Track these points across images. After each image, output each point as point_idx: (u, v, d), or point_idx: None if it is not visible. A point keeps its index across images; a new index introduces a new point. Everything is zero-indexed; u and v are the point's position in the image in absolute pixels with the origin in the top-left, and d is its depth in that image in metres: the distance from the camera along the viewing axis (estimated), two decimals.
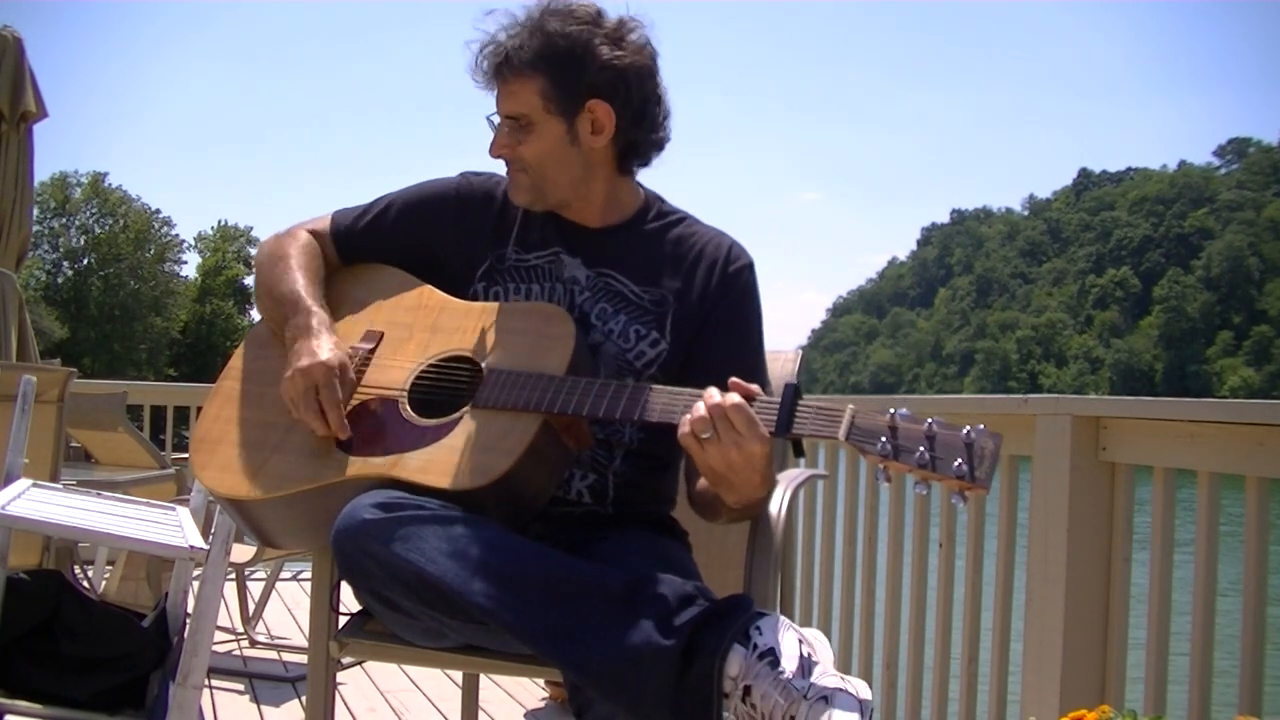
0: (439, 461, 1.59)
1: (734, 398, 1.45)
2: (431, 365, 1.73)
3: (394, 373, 1.73)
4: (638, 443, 1.78)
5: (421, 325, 1.78)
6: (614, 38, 1.74)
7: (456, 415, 1.64)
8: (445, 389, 1.71)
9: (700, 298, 1.78)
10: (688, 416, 1.47)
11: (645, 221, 1.84)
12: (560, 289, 1.79)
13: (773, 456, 1.52)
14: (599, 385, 1.60)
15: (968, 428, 1.36)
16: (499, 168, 1.86)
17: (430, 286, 1.83)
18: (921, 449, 1.36)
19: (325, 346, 1.70)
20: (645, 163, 1.84)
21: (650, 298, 1.78)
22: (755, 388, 1.48)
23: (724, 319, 1.79)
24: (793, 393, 1.45)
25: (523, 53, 1.71)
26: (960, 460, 1.34)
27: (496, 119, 1.77)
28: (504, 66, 1.73)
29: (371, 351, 1.77)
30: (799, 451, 1.58)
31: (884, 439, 1.38)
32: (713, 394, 1.47)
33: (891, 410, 1.39)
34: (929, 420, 1.37)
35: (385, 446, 1.64)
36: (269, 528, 1.76)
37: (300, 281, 1.80)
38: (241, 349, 1.88)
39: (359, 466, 1.63)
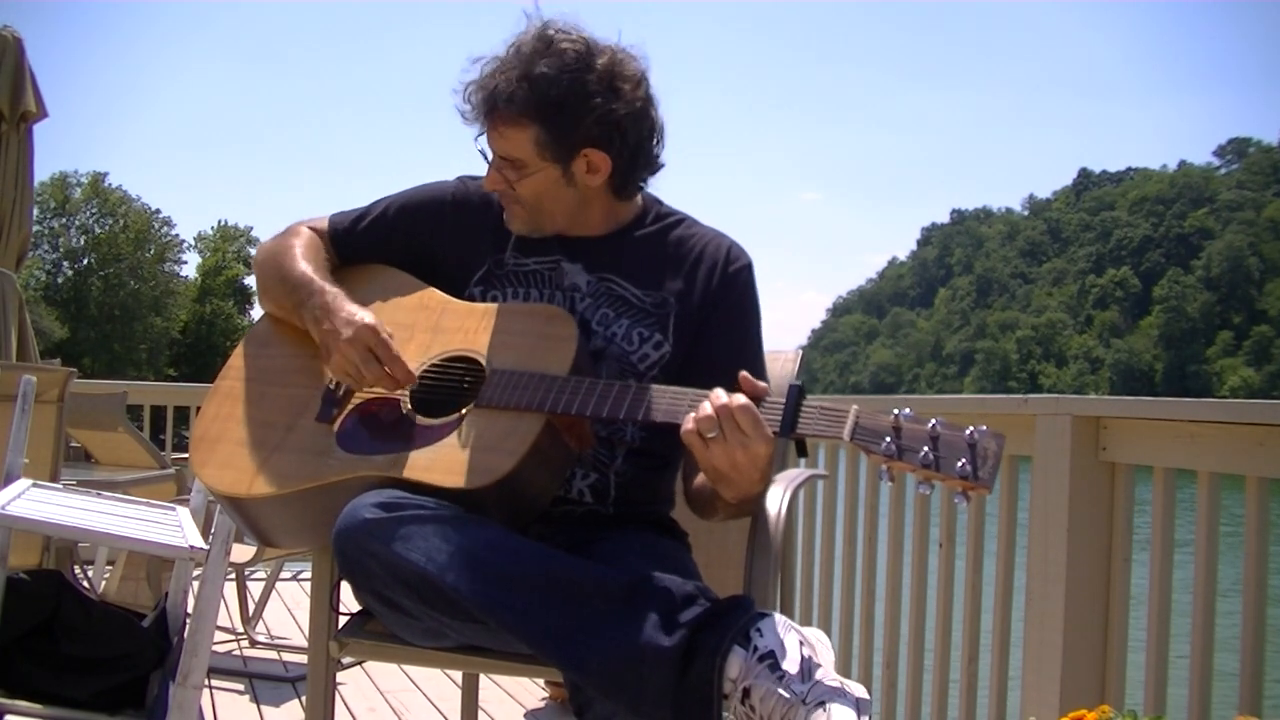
0: (441, 461, 1.59)
1: (741, 399, 1.45)
2: (433, 365, 1.73)
3: None
4: (639, 441, 1.78)
5: (423, 326, 1.78)
6: (607, 79, 1.69)
7: (458, 415, 1.64)
8: (447, 389, 1.71)
9: (701, 299, 1.79)
10: (693, 415, 1.48)
11: (644, 225, 1.84)
12: (560, 296, 1.79)
13: (773, 457, 1.52)
14: (602, 385, 1.60)
15: (971, 428, 1.37)
16: None
17: (432, 288, 1.83)
18: (925, 449, 1.37)
19: (357, 312, 1.70)
20: (642, 187, 1.84)
21: (652, 300, 1.78)
22: (764, 386, 1.48)
23: (724, 319, 1.79)
24: (797, 393, 1.46)
25: (514, 101, 1.67)
26: (964, 460, 1.35)
27: (489, 152, 1.75)
28: (494, 111, 1.70)
29: None
30: (802, 451, 1.58)
31: (888, 439, 1.39)
32: (720, 395, 1.47)
33: (895, 411, 1.40)
34: (933, 421, 1.38)
35: (387, 446, 1.64)
36: (268, 526, 1.76)
37: (310, 267, 1.81)
38: (241, 348, 1.87)
39: (360, 465, 1.63)
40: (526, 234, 1.80)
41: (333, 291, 1.75)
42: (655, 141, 1.79)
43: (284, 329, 1.87)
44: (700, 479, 1.69)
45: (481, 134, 1.75)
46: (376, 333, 1.67)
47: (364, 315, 1.69)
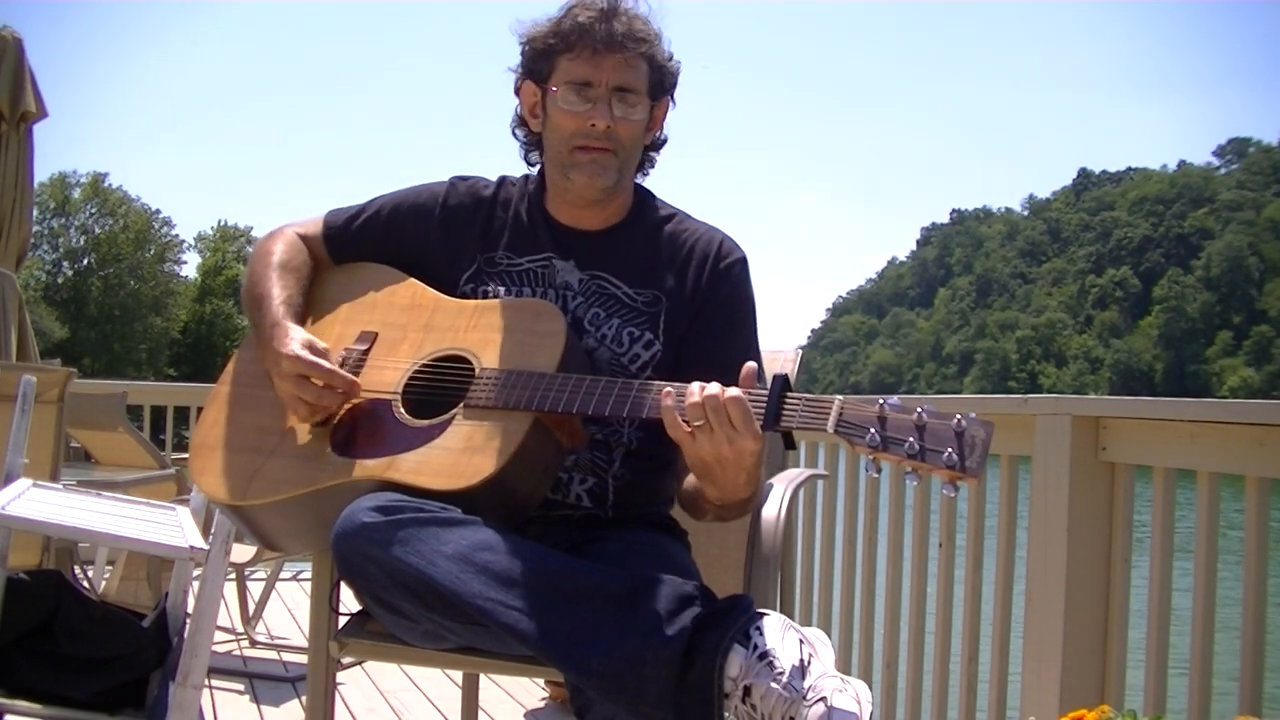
0: (430, 463, 1.59)
1: (733, 390, 1.44)
2: (425, 365, 1.73)
3: (387, 374, 1.73)
4: (637, 443, 1.77)
5: (415, 325, 1.78)
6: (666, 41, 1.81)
7: (448, 416, 1.64)
8: (439, 388, 1.70)
9: (692, 294, 1.78)
10: (679, 403, 1.46)
11: (637, 221, 1.84)
12: (553, 294, 1.79)
13: (762, 458, 1.50)
14: (588, 382, 1.59)
15: (958, 416, 1.35)
16: (488, 172, 1.88)
17: (425, 286, 1.83)
18: (911, 439, 1.35)
19: (286, 341, 1.70)
20: (644, 174, 1.88)
21: (643, 299, 1.78)
22: (746, 383, 1.46)
23: (716, 314, 1.78)
24: (781, 385, 1.44)
25: (641, 28, 1.74)
26: (950, 450, 1.33)
27: (575, 88, 1.72)
28: (628, 37, 1.73)
29: (365, 353, 1.77)
30: (790, 444, 1.56)
31: (873, 430, 1.37)
32: (710, 386, 1.45)
33: (881, 400, 1.38)
34: (919, 409, 1.36)
35: (379, 449, 1.64)
36: (269, 531, 1.76)
37: (274, 279, 1.82)
38: (237, 353, 1.88)
39: (354, 469, 1.63)
40: (610, 188, 1.76)
41: (274, 316, 1.75)
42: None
43: None
44: (690, 479, 1.67)
45: (575, 82, 1.72)
46: (299, 359, 1.68)
47: (291, 345, 1.69)
